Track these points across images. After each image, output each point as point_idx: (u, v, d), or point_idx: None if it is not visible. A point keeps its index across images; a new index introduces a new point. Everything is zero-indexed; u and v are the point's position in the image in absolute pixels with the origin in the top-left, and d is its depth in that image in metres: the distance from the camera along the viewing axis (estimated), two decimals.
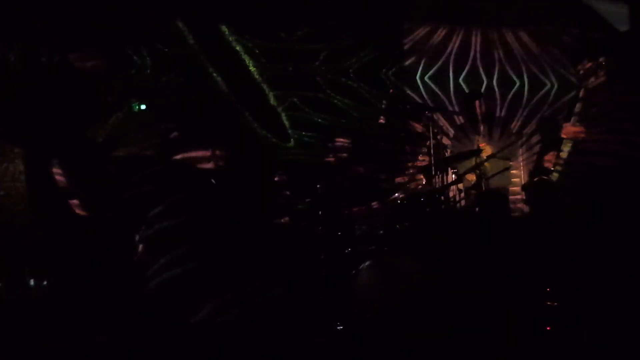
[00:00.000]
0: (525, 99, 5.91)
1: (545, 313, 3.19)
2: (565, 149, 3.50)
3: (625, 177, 3.34)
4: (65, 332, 2.94)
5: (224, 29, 5.21)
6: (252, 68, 5.25)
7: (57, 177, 2.89)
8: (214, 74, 5.13)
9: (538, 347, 2.82)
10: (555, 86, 5.92)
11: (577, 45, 5.87)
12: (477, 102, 4.88)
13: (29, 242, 4.51)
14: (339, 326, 3.09)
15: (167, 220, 2.50)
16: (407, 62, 5.70)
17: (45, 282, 4.25)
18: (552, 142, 3.70)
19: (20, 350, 2.95)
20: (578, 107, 3.55)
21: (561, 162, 3.50)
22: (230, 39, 5.22)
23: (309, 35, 5.39)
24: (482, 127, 4.70)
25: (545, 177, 3.60)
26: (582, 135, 3.42)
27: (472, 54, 5.85)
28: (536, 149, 4.56)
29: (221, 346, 2.84)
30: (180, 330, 2.76)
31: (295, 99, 5.34)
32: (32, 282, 4.47)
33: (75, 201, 2.91)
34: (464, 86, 5.78)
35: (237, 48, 5.22)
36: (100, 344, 2.85)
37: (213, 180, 2.67)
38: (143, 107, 3.11)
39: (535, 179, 3.84)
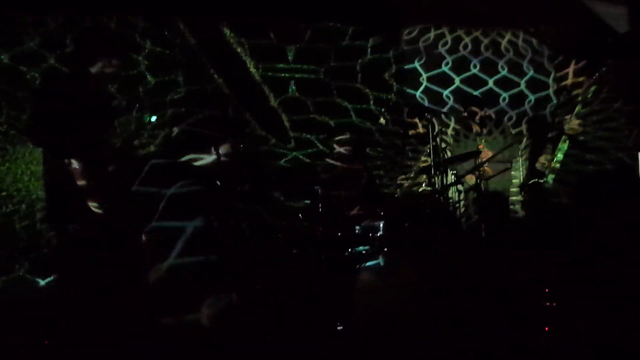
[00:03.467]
0: (524, 100, 5.92)
1: (543, 313, 3.20)
2: (560, 152, 3.52)
3: (617, 178, 3.37)
4: (66, 332, 2.95)
5: (225, 30, 5.24)
6: (252, 69, 5.27)
7: (77, 181, 2.93)
8: (215, 76, 5.16)
9: (537, 347, 2.83)
10: (554, 87, 5.93)
11: (572, 47, 5.89)
12: (476, 105, 4.90)
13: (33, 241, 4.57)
14: (339, 326, 3.10)
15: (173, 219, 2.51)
16: (407, 63, 5.72)
17: (49, 282, 4.29)
18: (546, 144, 3.72)
19: (20, 350, 2.97)
20: (574, 108, 3.57)
21: (556, 164, 3.52)
22: (231, 40, 5.25)
23: (309, 37, 5.42)
24: (481, 129, 4.72)
25: (539, 180, 3.62)
26: (579, 136, 3.45)
27: (472, 54, 5.87)
28: (531, 150, 4.59)
29: (221, 346, 2.85)
30: (180, 329, 2.77)
31: (295, 101, 5.36)
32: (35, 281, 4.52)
33: (89, 200, 2.95)
34: (463, 87, 5.79)
35: (238, 49, 5.24)
36: (100, 344, 2.86)
37: (218, 181, 2.67)
38: (154, 118, 3.16)
39: (530, 182, 3.86)
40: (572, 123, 3.50)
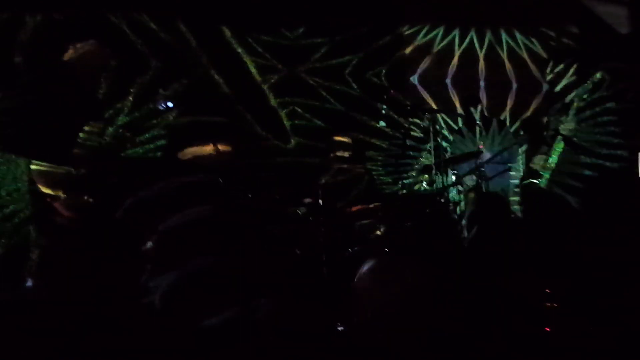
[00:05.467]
0: (525, 100, 5.92)
1: (544, 314, 3.20)
2: (555, 152, 3.51)
3: (611, 179, 3.36)
4: (66, 332, 2.94)
5: (225, 30, 5.24)
6: (252, 69, 5.28)
7: (60, 179, 2.88)
8: (215, 75, 5.16)
9: (538, 347, 2.83)
10: (551, 88, 5.92)
11: (572, 47, 5.90)
12: (477, 105, 4.90)
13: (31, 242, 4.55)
14: (340, 326, 3.09)
15: (173, 221, 2.51)
16: (407, 63, 5.72)
17: (46, 283, 4.27)
18: (541, 145, 3.71)
19: (20, 350, 2.95)
20: (570, 110, 3.56)
21: (551, 164, 3.51)
22: (232, 40, 5.25)
23: (307, 37, 5.42)
24: (481, 129, 4.71)
25: (534, 180, 3.61)
26: (574, 137, 3.44)
27: (471, 55, 5.86)
28: (527, 151, 4.59)
29: (221, 346, 2.84)
30: (182, 331, 2.76)
31: (295, 100, 5.36)
32: (32, 282, 4.50)
33: (76, 202, 2.91)
34: (463, 88, 5.79)
35: (238, 50, 5.24)
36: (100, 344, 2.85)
37: (220, 180, 2.67)
38: (170, 104, 3.04)
39: (524, 182, 3.86)
40: (568, 124, 3.48)
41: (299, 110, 5.35)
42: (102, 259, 2.96)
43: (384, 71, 5.58)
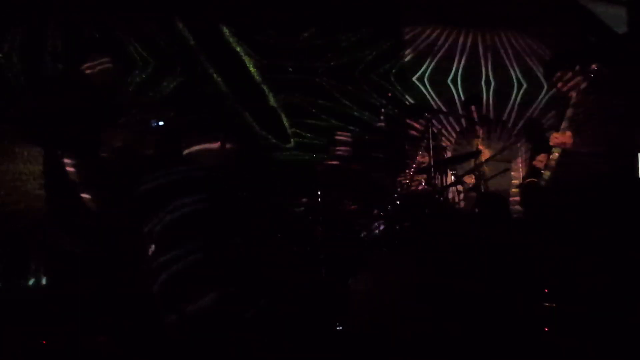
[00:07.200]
0: (525, 100, 5.93)
1: (543, 314, 3.20)
2: (556, 151, 3.51)
3: (612, 180, 3.36)
4: (65, 332, 2.94)
5: (225, 29, 5.24)
6: (252, 69, 5.28)
7: (70, 175, 2.96)
8: (215, 75, 5.16)
9: (537, 347, 2.83)
10: (550, 88, 5.94)
11: (570, 47, 5.90)
12: (476, 105, 4.90)
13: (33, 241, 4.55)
14: (339, 326, 3.09)
15: (175, 215, 2.52)
16: (407, 64, 5.73)
17: (47, 281, 4.27)
18: (543, 144, 3.70)
19: (20, 349, 2.96)
20: (568, 113, 3.54)
21: (551, 164, 3.51)
22: (231, 39, 5.25)
23: (309, 38, 5.42)
24: (481, 129, 4.72)
25: (535, 179, 3.60)
26: (572, 141, 3.43)
27: (472, 55, 5.87)
28: (529, 150, 4.58)
29: (221, 345, 2.84)
30: (180, 326, 2.76)
31: (295, 101, 5.37)
32: (33, 281, 4.50)
33: (86, 197, 2.97)
34: (463, 88, 5.80)
35: (238, 49, 5.25)
36: (100, 344, 2.85)
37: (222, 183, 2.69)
38: (161, 123, 3.18)
39: (526, 181, 3.85)
40: (564, 135, 3.45)
41: (299, 110, 5.36)
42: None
43: (384, 72, 5.58)
